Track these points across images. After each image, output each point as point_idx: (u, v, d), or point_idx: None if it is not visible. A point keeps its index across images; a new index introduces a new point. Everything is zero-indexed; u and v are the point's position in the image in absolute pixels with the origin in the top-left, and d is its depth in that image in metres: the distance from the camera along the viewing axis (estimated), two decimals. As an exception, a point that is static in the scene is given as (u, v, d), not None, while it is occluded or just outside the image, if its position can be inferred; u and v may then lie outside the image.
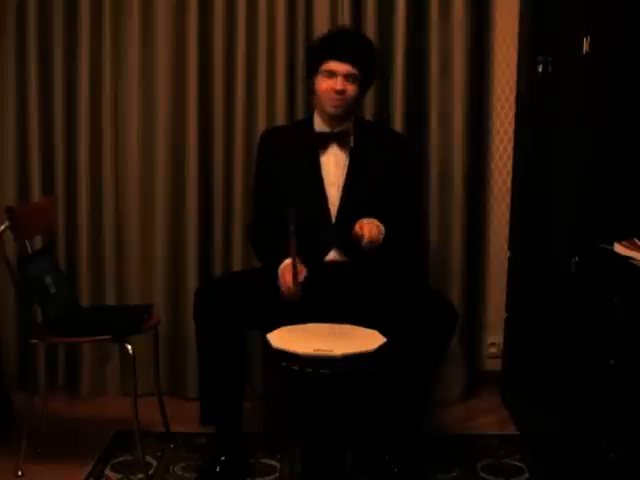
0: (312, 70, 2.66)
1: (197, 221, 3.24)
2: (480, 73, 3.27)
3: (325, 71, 2.60)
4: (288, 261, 2.47)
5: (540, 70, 2.79)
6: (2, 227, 2.58)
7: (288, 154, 2.72)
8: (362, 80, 2.63)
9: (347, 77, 2.58)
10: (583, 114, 2.34)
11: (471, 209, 3.28)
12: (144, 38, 3.20)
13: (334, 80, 2.59)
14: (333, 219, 2.68)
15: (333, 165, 2.70)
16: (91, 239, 3.28)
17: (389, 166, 2.72)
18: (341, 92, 2.58)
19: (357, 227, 2.51)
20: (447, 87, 3.21)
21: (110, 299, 3.29)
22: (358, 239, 2.49)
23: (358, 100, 2.70)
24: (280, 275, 2.53)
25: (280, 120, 3.16)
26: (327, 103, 2.63)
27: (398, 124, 3.18)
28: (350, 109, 2.66)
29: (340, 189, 2.68)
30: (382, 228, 2.56)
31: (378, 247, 2.53)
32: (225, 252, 3.27)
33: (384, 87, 3.20)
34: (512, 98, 3.31)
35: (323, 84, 2.61)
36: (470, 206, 3.27)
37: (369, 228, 2.48)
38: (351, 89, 2.60)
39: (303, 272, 2.50)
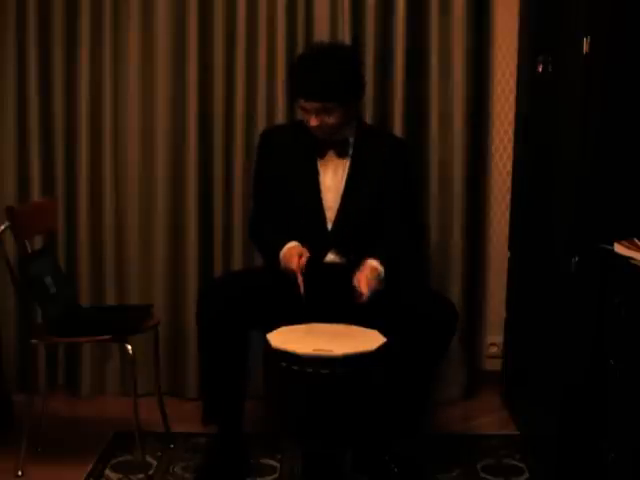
0: (294, 102, 2.69)
1: (197, 221, 3.24)
2: (480, 73, 3.27)
3: (300, 107, 2.61)
4: (292, 244, 2.53)
5: (540, 70, 2.79)
6: (2, 227, 2.59)
7: (287, 155, 2.72)
8: (342, 103, 2.56)
9: (320, 111, 2.55)
10: (583, 114, 2.34)
11: (471, 209, 3.28)
12: (144, 38, 3.20)
13: (308, 115, 2.58)
14: (329, 224, 2.68)
15: (331, 173, 2.70)
16: (91, 239, 3.28)
17: (389, 172, 2.71)
18: (318, 127, 2.57)
19: (355, 281, 2.48)
20: (447, 87, 3.20)
21: (110, 299, 3.29)
22: (356, 293, 2.47)
23: (347, 117, 2.61)
24: (284, 260, 2.54)
25: (280, 120, 3.15)
26: (313, 132, 2.63)
27: (398, 124, 3.18)
28: (340, 126, 2.62)
29: (339, 195, 2.68)
30: (382, 273, 2.53)
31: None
32: (225, 252, 3.27)
33: (384, 87, 3.20)
34: (512, 98, 3.31)
35: (303, 116, 2.62)
36: (470, 206, 3.27)
37: (366, 282, 2.46)
38: (330, 118, 2.56)
39: (306, 253, 2.52)
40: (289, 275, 2.52)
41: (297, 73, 2.62)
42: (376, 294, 2.48)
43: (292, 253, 2.53)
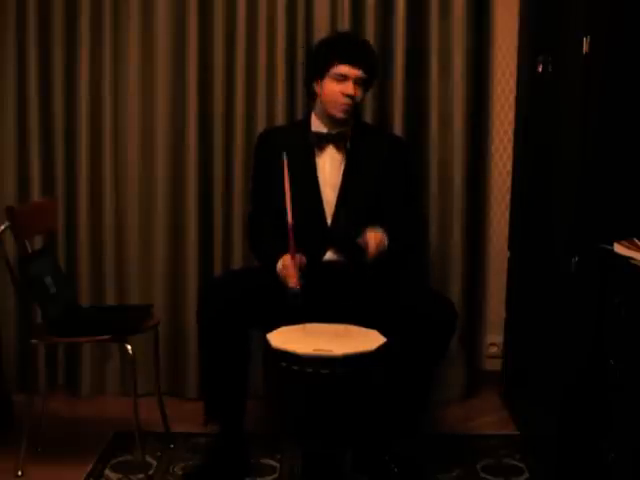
0: (319, 73, 2.64)
1: (197, 221, 3.24)
2: (480, 73, 3.27)
3: (336, 74, 2.60)
4: (287, 256, 2.49)
5: (540, 70, 2.79)
6: (2, 227, 2.59)
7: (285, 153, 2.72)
8: (367, 84, 2.66)
9: (357, 81, 2.60)
10: (583, 114, 2.34)
11: (471, 209, 3.28)
12: (144, 38, 3.20)
13: (345, 84, 2.59)
14: (329, 220, 2.68)
15: (329, 166, 2.70)
16: (91, 239, 3.28)
17: (387, 168, 2.72)
18: (352, 97, 2.60)
19: (361, 240, 2.55)
20: (447, 87, 3.20)
21: (110, 299, 3.29)
22: (363, 249, 2.54)
23: (360, 103, 2.73)
24: (282, 268, 2.52)
25: (280, 120, 3.16)
26: (335, 107, 2.63)
27: (398, 124, 3.18)
28: (355, 109, 2.69)
29: (337, 190, 2.69)
30: (385, 240, 2.59)
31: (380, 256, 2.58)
32: (225, 252, 3.27)
33: (384, 87, 3.20)
34: (512, 98, 3.31)
35: (334, 87, 2.61)
36: (470, 206, 3.27)
37: (374, 241, 2.53)
38: (359, 93, 2.63)
39: (302, 260, 2.51)
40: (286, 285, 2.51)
41: (338, 42, 2.67)
42: (379, 258, 2.55)
43: (289, 273, 2.48)
